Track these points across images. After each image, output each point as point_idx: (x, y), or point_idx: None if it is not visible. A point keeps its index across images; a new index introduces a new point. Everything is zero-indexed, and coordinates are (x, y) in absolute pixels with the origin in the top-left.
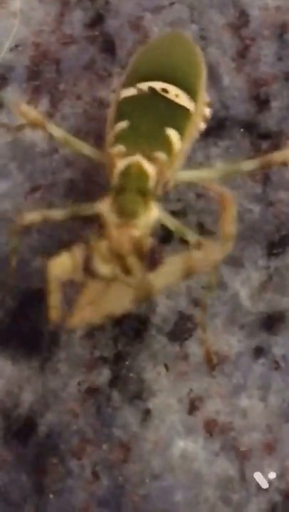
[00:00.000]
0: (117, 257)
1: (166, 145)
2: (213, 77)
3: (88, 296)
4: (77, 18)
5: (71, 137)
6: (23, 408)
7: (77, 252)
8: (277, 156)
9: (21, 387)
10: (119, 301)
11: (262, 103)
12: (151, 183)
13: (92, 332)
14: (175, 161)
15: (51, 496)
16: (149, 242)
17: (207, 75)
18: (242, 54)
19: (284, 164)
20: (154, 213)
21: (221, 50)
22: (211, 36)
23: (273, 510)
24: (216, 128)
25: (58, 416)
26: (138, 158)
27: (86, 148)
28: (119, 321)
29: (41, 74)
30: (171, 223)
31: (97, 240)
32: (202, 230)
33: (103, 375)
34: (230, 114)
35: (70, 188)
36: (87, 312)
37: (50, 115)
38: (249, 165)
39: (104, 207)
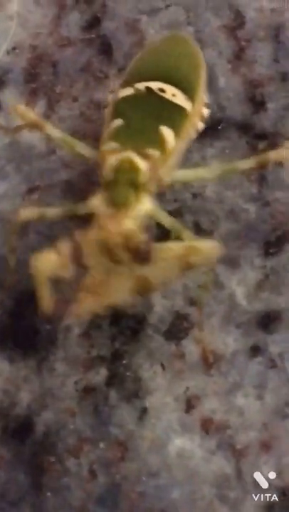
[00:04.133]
0: (106, 249)
1: (160, 142)
2: (209, 79)
3: (89, 286)
4: (74, 20)
5: (69, 137)
6: (20, 407)
7: (63, 248)
8: (274, 155)
9: (19, 386)
10: (120, 292)
11: (258, 104)
12: (143, 178)
13: (89, 331)
14: (169, 159)
15: (48, 494)
16: (140, 235)
17: None
18: (238, 55)
19: (280, 163)
20: (146, 207)
21: (217, 52)
22: (207, 38)
23: (270, 507)
24: (212, 129)
25: (55, 415)
26: (129, 154)
27: (84, 149)
28: (116, 321)
29: (38, 76)
30: (168, 222)
31: (84, 233)
32: (198, 229)
33: (100, 374)
34: (226, 115)
35: (67, 189)
36: (89, 302)
37: (47, 117)
38: (245, 164)
39: (96, 200)
